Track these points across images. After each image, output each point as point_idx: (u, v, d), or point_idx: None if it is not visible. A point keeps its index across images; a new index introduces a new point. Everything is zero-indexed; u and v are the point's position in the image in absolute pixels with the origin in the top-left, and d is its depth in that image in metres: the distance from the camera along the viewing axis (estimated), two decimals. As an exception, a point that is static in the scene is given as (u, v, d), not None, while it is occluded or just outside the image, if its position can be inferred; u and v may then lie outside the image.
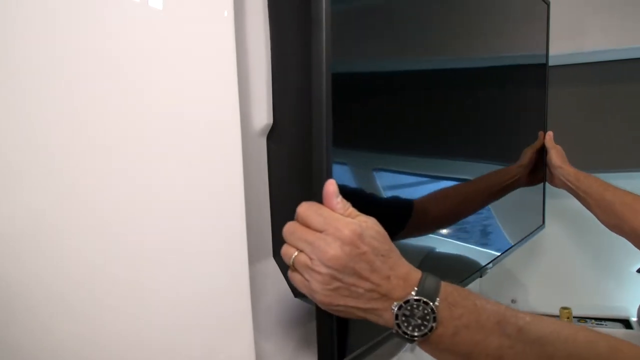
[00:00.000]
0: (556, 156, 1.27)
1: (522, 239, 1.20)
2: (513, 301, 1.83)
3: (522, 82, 1.26)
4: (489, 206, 1.04)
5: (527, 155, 1.24)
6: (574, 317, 1.56)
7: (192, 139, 0.47)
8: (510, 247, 1.12)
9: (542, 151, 1.31)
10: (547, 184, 1.39)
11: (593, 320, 1.63)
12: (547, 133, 1.34)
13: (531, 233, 1.27)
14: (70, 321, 0.44)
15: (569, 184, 1.22)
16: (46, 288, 0.43)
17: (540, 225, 1.39)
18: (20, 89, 0.41)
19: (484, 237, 1.02)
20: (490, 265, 0.99)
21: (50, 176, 0.42)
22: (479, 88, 0.97)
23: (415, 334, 0.49)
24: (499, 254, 1.05)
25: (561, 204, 1.71)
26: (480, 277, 0.96)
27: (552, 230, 1.74)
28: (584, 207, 1.15)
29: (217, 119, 0.48)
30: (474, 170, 0.99)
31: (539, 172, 1.30)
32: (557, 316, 1.56)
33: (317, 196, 0.51)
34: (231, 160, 0.49)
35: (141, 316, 0.46)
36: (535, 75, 1.34)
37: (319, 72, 0.48)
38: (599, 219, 1.16)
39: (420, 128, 0.74)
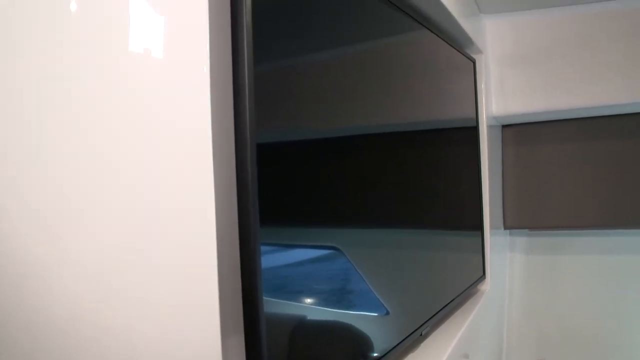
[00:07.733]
0: None
1: (462, 292, 1.25)
2: None
3: (450, 144, 1.34)
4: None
5: None
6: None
7: (169, 145, 0.54)
8: (450, 302, 1.17)
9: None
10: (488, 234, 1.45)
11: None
12: None
13: (470, 285, 1.34)
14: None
15: None
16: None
17: (481, 277, 1.45)
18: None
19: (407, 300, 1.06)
20: (427, 326, 1.03)
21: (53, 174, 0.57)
22: (411, 155, 1.03)
23: None
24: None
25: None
26: (421, 335, 0.99)
27: (586, 287, 1.78)
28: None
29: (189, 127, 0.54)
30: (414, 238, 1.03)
31: None
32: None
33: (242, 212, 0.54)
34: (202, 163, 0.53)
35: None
36: (465, 135, 1.44)
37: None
38: None
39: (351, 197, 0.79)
